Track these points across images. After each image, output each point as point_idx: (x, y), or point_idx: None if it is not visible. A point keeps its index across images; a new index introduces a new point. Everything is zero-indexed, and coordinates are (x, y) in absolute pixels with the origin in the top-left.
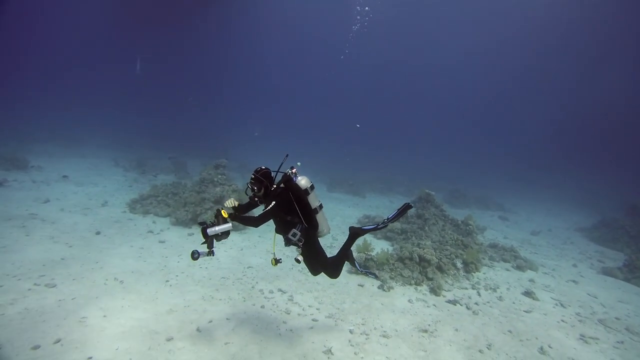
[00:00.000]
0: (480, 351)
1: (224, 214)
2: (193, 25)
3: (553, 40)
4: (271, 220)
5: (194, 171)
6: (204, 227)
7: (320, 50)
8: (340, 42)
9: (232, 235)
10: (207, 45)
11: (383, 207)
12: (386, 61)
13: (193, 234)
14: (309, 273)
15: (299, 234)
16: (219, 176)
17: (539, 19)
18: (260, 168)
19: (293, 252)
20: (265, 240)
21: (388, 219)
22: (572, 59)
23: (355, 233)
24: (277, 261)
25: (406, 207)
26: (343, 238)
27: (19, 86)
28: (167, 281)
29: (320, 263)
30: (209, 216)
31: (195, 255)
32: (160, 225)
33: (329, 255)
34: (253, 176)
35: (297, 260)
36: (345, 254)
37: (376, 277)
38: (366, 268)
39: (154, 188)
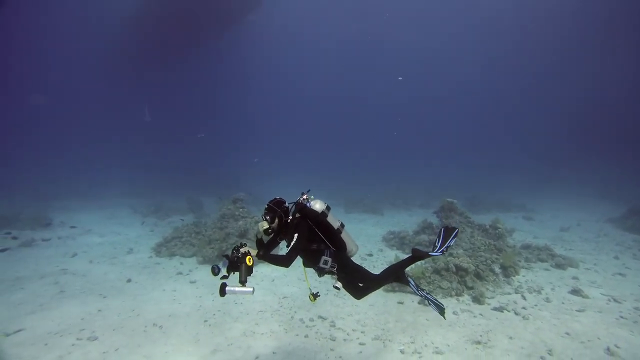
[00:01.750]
0: (542, 358)
1: (249, 260)
2: (200, 58)
3: (558, 36)
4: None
5: (210, 209)
6: (223, 284)
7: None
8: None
9: (260, 267)
10: (211, 77)
11: (404, 222)
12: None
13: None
14: (346, 296)
15: (330, 260)
16: (240, 210)
17: (541, 18)
18: (275, 198)
19: (327, 280)
20: (294, 268)
21: (446, 247)
22: (580, 52)
23: (418, 256)
24: (315, 296)
25: (450, 230)
26: (373, 256)
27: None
28: (206, 321)
29: (365, 279)
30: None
31: (215, 270)
32: (189, 266)
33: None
34: (267, 206)
35: (336, 288)
36: (397, 270)
37: (437, 306)
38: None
39: (176, 230)
